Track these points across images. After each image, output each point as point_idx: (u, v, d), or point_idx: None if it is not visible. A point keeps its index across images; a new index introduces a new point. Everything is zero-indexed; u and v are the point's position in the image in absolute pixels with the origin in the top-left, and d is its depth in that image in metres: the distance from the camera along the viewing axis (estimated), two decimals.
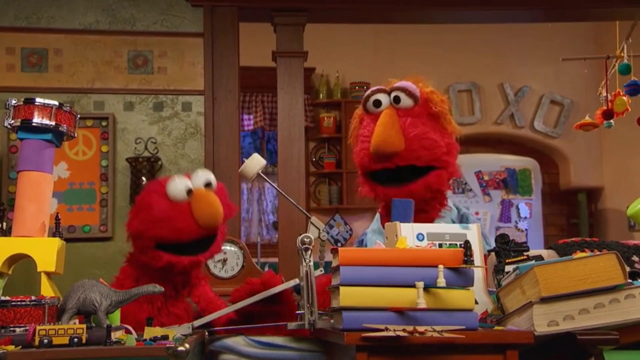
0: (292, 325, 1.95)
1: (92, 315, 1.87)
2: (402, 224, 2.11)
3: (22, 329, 1.74)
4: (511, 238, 2.17)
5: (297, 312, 1.98)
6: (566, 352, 1.74)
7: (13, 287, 2.18)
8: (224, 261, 2.78)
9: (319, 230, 2.20)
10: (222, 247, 2.80)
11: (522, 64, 6.81)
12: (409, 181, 2.41)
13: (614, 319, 1.68)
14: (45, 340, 1.65)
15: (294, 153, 4.06)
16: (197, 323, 2.16)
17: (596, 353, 1.72)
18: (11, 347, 1.64)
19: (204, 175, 2.23)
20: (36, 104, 2.14)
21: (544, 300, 1.68)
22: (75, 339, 1.66)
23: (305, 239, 1.91)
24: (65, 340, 1.66)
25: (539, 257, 2.11)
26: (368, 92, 2.53)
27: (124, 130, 3.91)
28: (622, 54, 4.40)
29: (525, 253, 2.12)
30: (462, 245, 1.77)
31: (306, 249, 1.90)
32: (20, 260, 2.15)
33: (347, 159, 6.45)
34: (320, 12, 4.22)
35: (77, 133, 2.28)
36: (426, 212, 2.43)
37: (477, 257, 2.07)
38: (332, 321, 1.87)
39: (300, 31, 4.17)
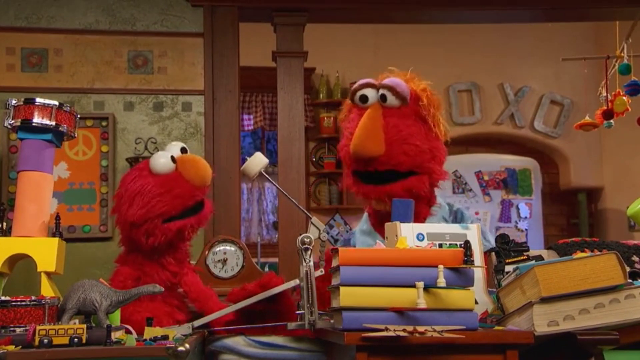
0: (292, 325, 1.95)
1: (92, 315, 1.87)
2: (402, 224, 2.11)
3: (22, 329, 1.74)
4: (511, 238, 2.17)
5: (297, 312, 1.98)
6: (566, 352, 1.74)
7: (13, 287, 2.18)
8: (224, 261, 2.78)
9: (319, 230, 2.20)
10: (222, 247, 2.81)
11: (522, 64, 6.81)
12: (389, 182, 2.35)
13: (614, 319, 1.68)
14: (45, 340, 1.65)
15: (294, 153, 4.06)
16: (197, 323, 2.17)
17: (596, 353, 1.72)
18: (11, 347, 1.64)
19: (177, 144, 2.37)
20: (36, 104, 2.14)
21: (544, 300, 1.68)
22: (75, 339, 1.67)
23: (306, 239, 1.91)
24: (65, 340, 1.66)
25: (539, 257, 2.11)
26: (356, 85, 2.46)
27: (124, 130, 3.91)
28: (622, 54, 4.40)
29: (525, 253, 2.12)
30: (462, 245, 1.77)
31: (306, 249, 1.90)
32: (20, 260, 2.15)
33: None
34: (320, 12, 4.22)
35: (77, 133, 2.28)
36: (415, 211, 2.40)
37: (477, 257, 2.07)
38: (332, 321, 1.87)
39: (300, 31, 4.16)
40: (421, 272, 1.71)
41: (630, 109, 4.32)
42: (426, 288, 1.68)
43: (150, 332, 1.88)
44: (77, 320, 1.89)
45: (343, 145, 2.47)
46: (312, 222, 2.22)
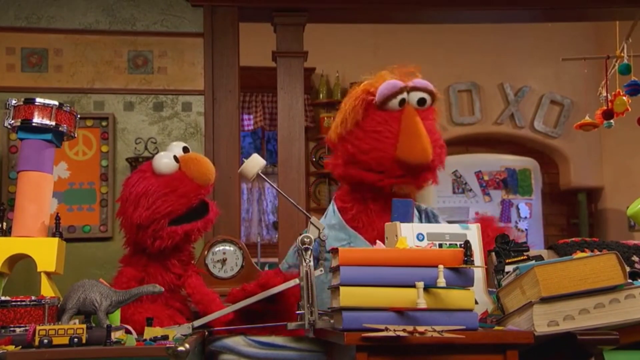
0: (292, 325, 1.95)
1: (92, 315, 1.87)
2: (402, 224, 2.11)
3: (22, 329, 1.74)
4: (511, 238, 2.17)
5: (297, 312, 1.98)
6: (566, 352, 1.74)
7: (13, 287, 2.18)
8: (224, 261, 2.77)
9: (319, 230, 2.20)
10: (222, 247, 2.81)
11: (522, 64, 6.81)
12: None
13: (614, 319, 1.68)
14: (45, 340, 1.65)
15: (294, 153, 4.06)
16: (197, 323, 2.17)
17: (596, 353, 1.72)
18: (11, 347, 1.64)
19: (179, 144, 2.37)
20: (36, 104, 2.15)
21: (544, 300, 1.68)
22: (75, 339, 1.67)
23: (305, 239, 1.91)
24: (65, 340, 1.66)
25: (539, 257, 2.11)
26: (387, 89, 2.39)
27: (124, 130, 3.90)
28: (622, 54, 4.40)
29: (525, 253, 2.12)
30: (462, 245, 1.77)
31: (306, 249, 1.90)
32: (20, 260, 2.15)
33: None
34: (320, 12, 4.22)
35: (77, 133, 2.28)
36: None
37: (477, 257, 2.07)
38: (332, 321, 1.87)
39: (300, 31, 4.16)
40: (421, 272, 1.71)
41: (630, 109, 4.32)
42: (426, 288, 1.68)
43: (150, 332, 1.88)
44: (77, 320, 1.89)
45: (372, 149, 2.41)
46: (311, 222, 2.22)
